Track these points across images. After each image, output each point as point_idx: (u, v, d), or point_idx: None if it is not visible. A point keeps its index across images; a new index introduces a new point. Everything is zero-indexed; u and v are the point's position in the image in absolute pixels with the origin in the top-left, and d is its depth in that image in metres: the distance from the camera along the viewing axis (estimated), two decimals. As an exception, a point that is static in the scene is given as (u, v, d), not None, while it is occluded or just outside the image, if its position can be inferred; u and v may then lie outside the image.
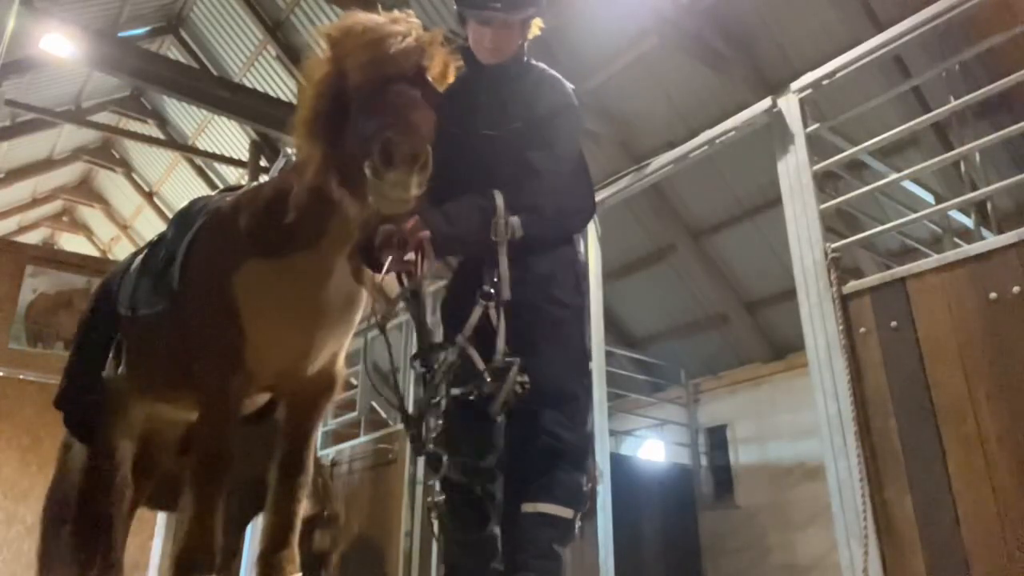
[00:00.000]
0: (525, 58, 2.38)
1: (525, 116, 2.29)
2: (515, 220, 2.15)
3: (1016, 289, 2.53)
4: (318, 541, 4.21)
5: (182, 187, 13.60)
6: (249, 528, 4.15)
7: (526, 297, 2.17)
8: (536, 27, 2.37)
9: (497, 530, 2.21)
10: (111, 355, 2.71)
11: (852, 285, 3.04)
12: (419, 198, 1.86)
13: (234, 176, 11.95)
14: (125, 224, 15.97)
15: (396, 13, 2.01)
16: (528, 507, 2.10)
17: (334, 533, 4.43)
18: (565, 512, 2.13)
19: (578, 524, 2.20)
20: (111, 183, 15.19)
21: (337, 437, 6.54)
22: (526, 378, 2.02)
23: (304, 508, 2.45)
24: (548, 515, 2.10)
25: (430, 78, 1.93)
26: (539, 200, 2.20)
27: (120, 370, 2.68)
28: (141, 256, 2.75)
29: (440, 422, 2.05)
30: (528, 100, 2.32)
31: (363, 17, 1.96)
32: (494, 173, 2.20)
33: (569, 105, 2.36)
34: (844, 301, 3.02)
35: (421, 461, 4.95)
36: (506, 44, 2.31)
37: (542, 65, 2.44)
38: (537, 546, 2.07)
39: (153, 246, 2.71)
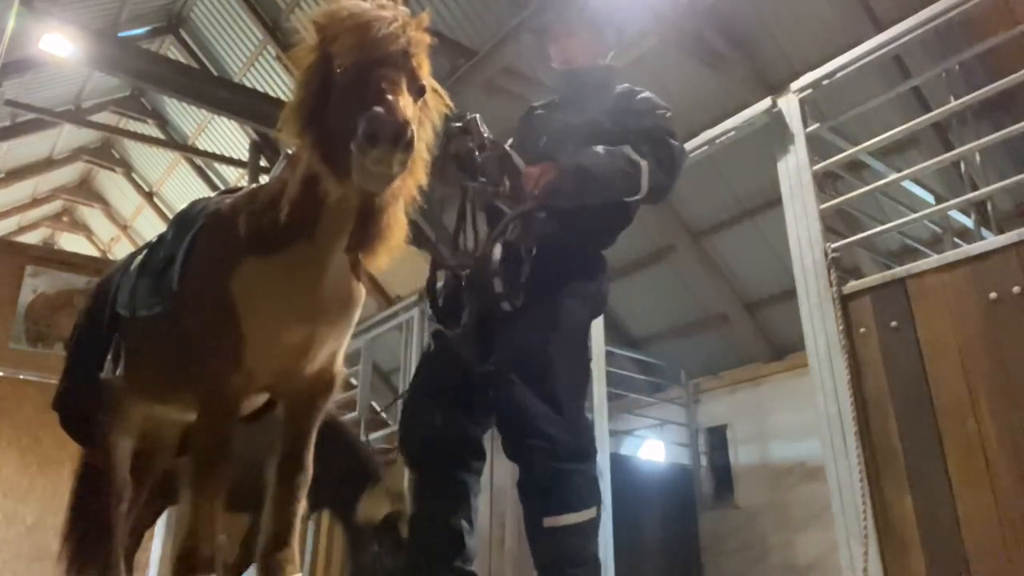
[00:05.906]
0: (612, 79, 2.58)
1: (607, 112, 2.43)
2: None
3: (1016, 289, 2.52)
4: (364, 510, 3.36)
5: (182, 187, 13.59)
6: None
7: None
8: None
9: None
10: (109, 356, 2.70)
11: (852, 285, 3.04)
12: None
13: (234, 176, 11.95)
14: (125, 224, 15.95)
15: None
16: (550, 521, 2.07)
17: (390, 495, 3.41)
18: (587, 515, 2.11)
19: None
20: (111, 183, 15.18)
21: (337, 437, 6.51)
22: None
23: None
24: (571, 526, 2.08)
25: (415, 63, 1.93)
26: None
27: (118, 371, 2.67)
28: (140, 257, 2.74)
29: None
30: (610, 101, 2.48)
31: (349, 2, 1.96)
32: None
33: (657, 105, 2.48)
34: (844, 301, 3.01)
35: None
36: (574, 52, 2.55)
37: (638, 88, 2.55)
38: (570, 557, 2.06)
39: (152, 247, 2.70)
